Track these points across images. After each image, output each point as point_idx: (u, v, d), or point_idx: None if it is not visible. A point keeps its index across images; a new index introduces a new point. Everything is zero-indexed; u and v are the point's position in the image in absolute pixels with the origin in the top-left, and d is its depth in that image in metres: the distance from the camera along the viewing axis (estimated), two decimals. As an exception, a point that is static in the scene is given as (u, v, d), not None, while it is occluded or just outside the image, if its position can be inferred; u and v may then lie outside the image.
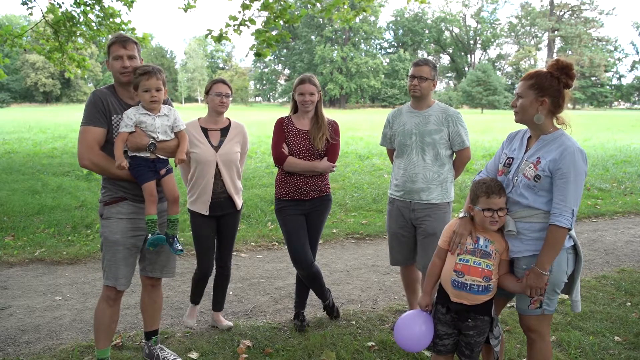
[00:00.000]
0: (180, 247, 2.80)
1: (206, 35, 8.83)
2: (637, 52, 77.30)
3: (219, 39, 8.78)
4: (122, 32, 10.39)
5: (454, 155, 3.36)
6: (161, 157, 2.72)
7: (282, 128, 3.45)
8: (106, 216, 2.75)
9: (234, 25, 8.74)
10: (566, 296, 2.52)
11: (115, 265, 2.74)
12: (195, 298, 3.58)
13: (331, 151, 3.44)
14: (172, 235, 2.81)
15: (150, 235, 2.67)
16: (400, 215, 3.36)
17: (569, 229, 2.22)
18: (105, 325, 2.81)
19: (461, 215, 2.47)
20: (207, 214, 3.31)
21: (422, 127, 3.25)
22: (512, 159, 2.46)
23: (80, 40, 10.92)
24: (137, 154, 2.65)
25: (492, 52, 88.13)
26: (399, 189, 3.35)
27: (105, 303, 2.80)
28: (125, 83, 2.70)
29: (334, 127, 3.49)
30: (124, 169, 2.58)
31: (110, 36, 10.37)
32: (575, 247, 2.36)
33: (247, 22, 8.73)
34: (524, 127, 2.51)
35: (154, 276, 2.97)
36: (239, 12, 8.68)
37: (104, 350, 2.85)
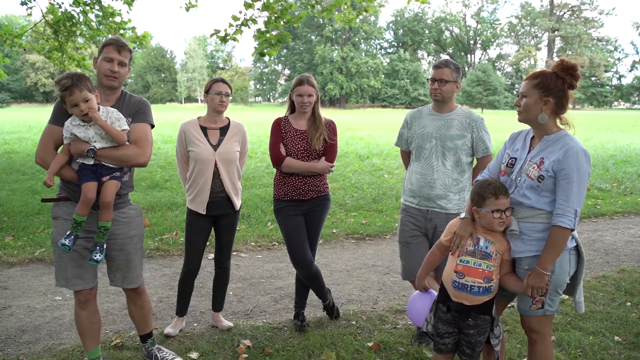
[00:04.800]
0: (96, 258, 2.61)
1: (212, 35, 8.84)
2: (637, 52, 77.52)
3: (225, 39, 8.80)
4: (121, 35, 10.38)
5: (474, 162, 3.23)
6: (107, 164, 2.61)
7: (279, 129, 3.44)
8: (54, 216, 2.70)
9: (236, 25, 8.76)
10: (566, 296, 2.52)
11: (63, 266, 2.67)
12: (181, 307, 3.52)
13: (329, 151, 3.43)
14: (98, 242, 2.63)
15: (66, 234, 2.56)
16: (414, 224, 3.18)
17: (572, 230, 2.22)
18: (85, 328, 2.77)
19: (462, 216, 2.47)
20: (204, 212, 3.31)
21: (444, 131, 3.09)
22: (515, 159, 2.45)
23: (80, 39, 10.93)
24: (82, 161, 2.59)
25: (492, 52, 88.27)
26: (414, 194, 3.17)
27: (77, 307, 2.75)
28: (105, 86, 2.68)
29: (331, 127, 3.47)
30: (49, 186, 2.53)
31: (109, 35, 10.36)
32: (577, 248, 2.36)
33: (249, 22, 8.74)
34: (526, 127, 2.51)
35: (115, 285, 2.88)
36: (240, 12, 8.71)
37: (92, 352, 2.83)
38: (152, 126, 2.82)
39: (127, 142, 2.65)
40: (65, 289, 4.23)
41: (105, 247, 2.67)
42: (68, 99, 2.48)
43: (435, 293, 2.65)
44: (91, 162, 2.57)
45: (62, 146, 2.61)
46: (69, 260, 2.66)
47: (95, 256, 2.62)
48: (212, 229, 3.49)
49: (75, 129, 2.55)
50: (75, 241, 2.57)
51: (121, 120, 2.63)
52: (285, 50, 72.25)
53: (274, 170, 3.52)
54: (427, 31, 79.74)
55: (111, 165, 2.63)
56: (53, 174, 2.54)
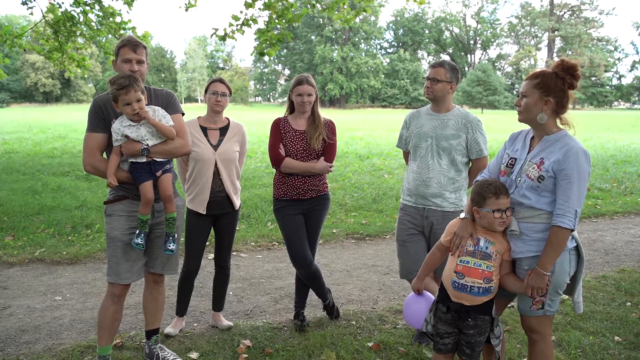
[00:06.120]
0: (171, 248, 2.81)
1: (212, 35, 8.85)
2: (637, 52, 77.40)
3: (224, 38, 8.82)
4: (131, 34, 10.39)
5: (471, 163, 3.23)
6: (158, 159, 2.73)
7: (278, 129, 3.44)
8: (108, 213, 2.81)
9: (237, 25, 8.77)
10: (566, 296, 2.52)
11: (116, 261, 2.78)
12: (181, 307, 3.53)
13: (328, 151, 3.44)
14: (170, 233, 2.82)
15: (136, 233, 2.71)
16: (411, 222, 3.18)
17: (572, 230, 2.22)
18: (108, 322, 2.83)
19: (462, 216, 2.47)
20: (204, 212, 3.32)
21: (440, 130, 3.11)
22: (515, 159, 2.45)
23: (80, 40, 10.92)
24: (134, 160, 2.69)
25: (492, 52, 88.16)
26: (411, 193, 3.18)
27: (109, 300, 2.83)
28: None
29: (330, 127, 3.48)
30: (113, 186, 2.65)
31: (116, 36, 10.37)
32: (577, 248, 2.36)
33: (250, 22, 8.75)
34: (526, 127, 2.51)
35: (155, 272, 2.98)
36: (241, 12, 8.71)
37: (105, 348, 2.86)
38: (183, 114, 2.93)
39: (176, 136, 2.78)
40: (65, 289, 4.25)
41: (176, 236, 2.83)
42: (123, 97, 2.57)
43: (431, 295, 2.66)
44: (144, 159, 2.68)
45: (113, 148, 2.69)
46: (122, 254, 2.77)
47: (169, 246, 2.80)
48: (212, 229, 3.50)
49: (126, 130, 2.64)
50: (145, 238, 2.72)
51: (167, 117, 2.76)
52: (285, 50, 72.25)
53: (274, 170, 3.53)
54: (427, 31, 79.73)
55: (162, 160, 2.74)
56: (112, 174, 2.64)
